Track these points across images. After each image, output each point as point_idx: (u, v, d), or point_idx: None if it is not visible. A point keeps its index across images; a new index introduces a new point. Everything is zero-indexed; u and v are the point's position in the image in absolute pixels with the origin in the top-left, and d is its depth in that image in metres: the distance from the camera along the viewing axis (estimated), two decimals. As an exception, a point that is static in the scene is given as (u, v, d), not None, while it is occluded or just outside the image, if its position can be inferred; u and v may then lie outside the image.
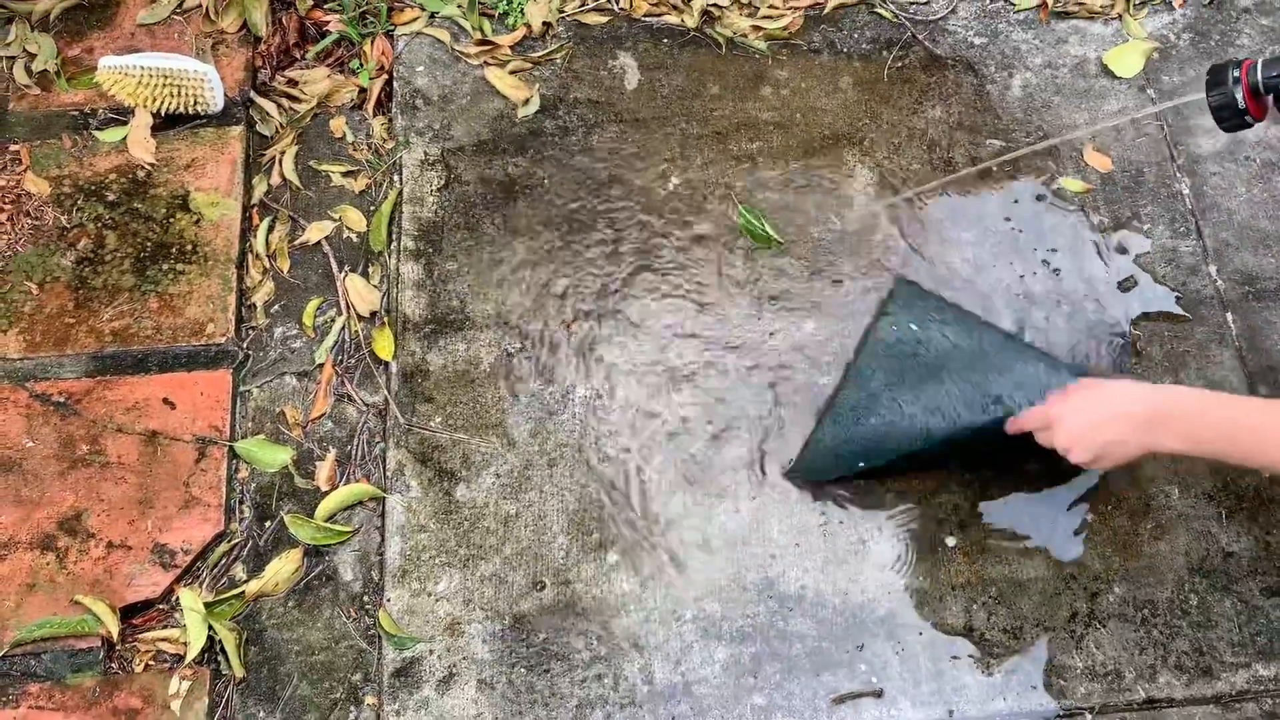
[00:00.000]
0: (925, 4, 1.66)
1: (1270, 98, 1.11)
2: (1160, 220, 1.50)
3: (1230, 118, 1.14)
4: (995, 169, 1.52)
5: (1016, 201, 1.50)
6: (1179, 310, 1.43)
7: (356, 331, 1.41)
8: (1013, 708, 1.21)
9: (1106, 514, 1.31)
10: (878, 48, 1.62)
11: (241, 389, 1.38)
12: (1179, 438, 1.10)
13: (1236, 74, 1.12)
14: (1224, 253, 1.48)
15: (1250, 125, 1.14)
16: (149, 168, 1.49)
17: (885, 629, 1.25)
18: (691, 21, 1.63)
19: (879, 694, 1.22)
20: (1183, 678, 1.23)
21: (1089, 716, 1.21)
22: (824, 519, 1.30)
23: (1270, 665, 1.24)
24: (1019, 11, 1.67)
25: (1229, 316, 1.43)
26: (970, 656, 1.23)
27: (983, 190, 1.51)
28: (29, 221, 1.45)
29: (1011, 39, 1.64)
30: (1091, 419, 1.14)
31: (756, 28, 1.63)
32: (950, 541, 1.29)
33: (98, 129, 1.52)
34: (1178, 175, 1.53)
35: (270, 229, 1.48)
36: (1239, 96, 1.12)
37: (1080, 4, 1.66)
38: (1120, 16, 1.66)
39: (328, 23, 1.62)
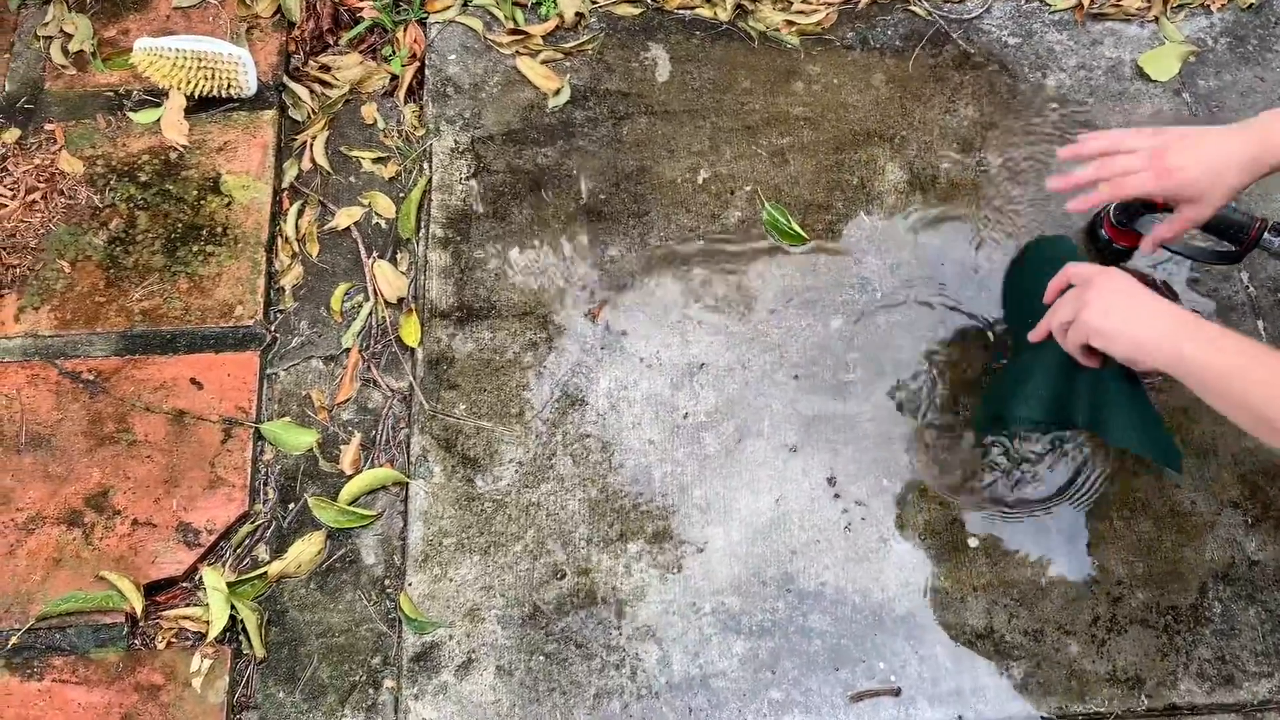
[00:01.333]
0: (960, 2, 1.65)
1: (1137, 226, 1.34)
2: (1193, 225, 1.49)
3: (1105, 249, 1.40)
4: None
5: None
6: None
7: (383, 317, 1.42)
8: (1031, 711, 1.21)
9: (1131, 519, 1.30)
10: (911, 45, 1.61)
11: (268, 371, 1.38)
12: (1167, 366, 1.06)
13: (1100, 214, 1.40)
14: (1256, 259, 1.46)
15: (1129, 254, 1.41)
16: (181, 149, 1.50)
17: (905, 628, 1.24)
18: (724, 15, 1.63)
19: (897, 693, 1.21)
20: (1204, 685, 1.22)
21: (1108, 721, 1.21)
22: (846, 516, 1.30)
23: (1293, 676, 1.23)
24: (1054, 12, 1.65)
25: (1260, 324, 1.42)
26: (990, 658, 1.23)
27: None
28: (62, 200, 1.46)
29: (1046, 39, 1.63)
30: (1124, 316, 1.08)
31: (789, 22, 1.62)
32: (972, 543, 1.29)
33: (132, 110, 1.53)
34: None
35: (300, 213, 1.48)
36: (1103, 233, 1.39)
37: (1117, 6, 1.65)
38: (1156, 19, 1.65)
39: (361, 9, 1.63)
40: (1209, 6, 1.66)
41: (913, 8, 1.65)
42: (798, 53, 1.61)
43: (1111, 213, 1.37)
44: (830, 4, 1.64)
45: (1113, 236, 1.38)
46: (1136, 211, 1.33)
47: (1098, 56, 1.61)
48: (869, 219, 1.48)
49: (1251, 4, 1.66)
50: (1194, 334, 1.04)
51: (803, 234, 1.46)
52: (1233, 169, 1.12)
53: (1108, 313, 1.08)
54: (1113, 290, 1.09)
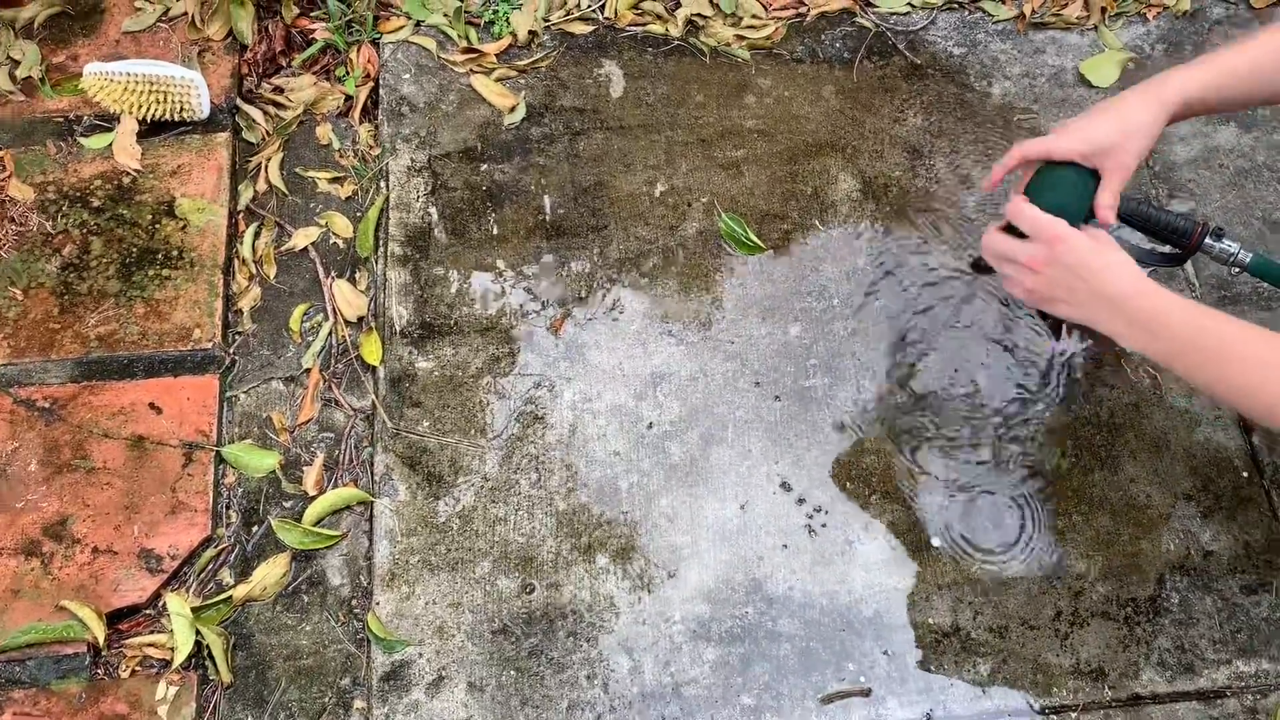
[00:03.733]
0: (905, 15, 1.69)
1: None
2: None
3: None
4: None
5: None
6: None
7: (344, 337, 1.41)
8: (1000, 705, 1.22)
9: (1089, 514, 1.33)
10: (859, 57, 1.64)
11: (228, 394, 1.37)
12: (1134, 341, 1.08)
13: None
14: (1199, 259, 1.50)
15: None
16: (134, 174, 1.49)
17: (873, 629, 1.26)
18: (676, 31, 1.65)
19: (867, 693, 1.23)
20: (1165, 674, 1.25)
21: (1074, 714, 1.22)
22: (810, 520, 1.31)
23: (1250, 662, 1.25)
24: (997, 23, 1.69)
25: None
26: (957, 655, 1.25)
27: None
28: (13, 228, 1.44)
29: (990, 49, 1.67)
30: (1066, 285, 1.10)
31: (740, 37, 1.65)
32: (935, 542, 1.30)
33: (83, 135, 1.52)
34: (1153, 182, 1.56)
35: (257, 235, 1.48)
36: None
37: (1057, 15, 1.69)
38: (1095, 27, 1.69)
39: (314, 31, 1.63)
40: (1145, 15, 1.71)
41: (859, 20, 1.68)
42: (749, 67, 1.63)
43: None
44: (779, 18, 1.67)
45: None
46: None
47: (1040, 64, 1.65)
48: (824, 227, 1.50)
49: (1186, 11, 1.71)
50: (1119, 326, 1.08)
51: (760, 243, 1.48)
52: (1134, 108, 1.14)
53: (1036, 302, 1.12)
54: (1074, 269, 1.10)
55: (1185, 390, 1.40)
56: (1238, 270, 1.26)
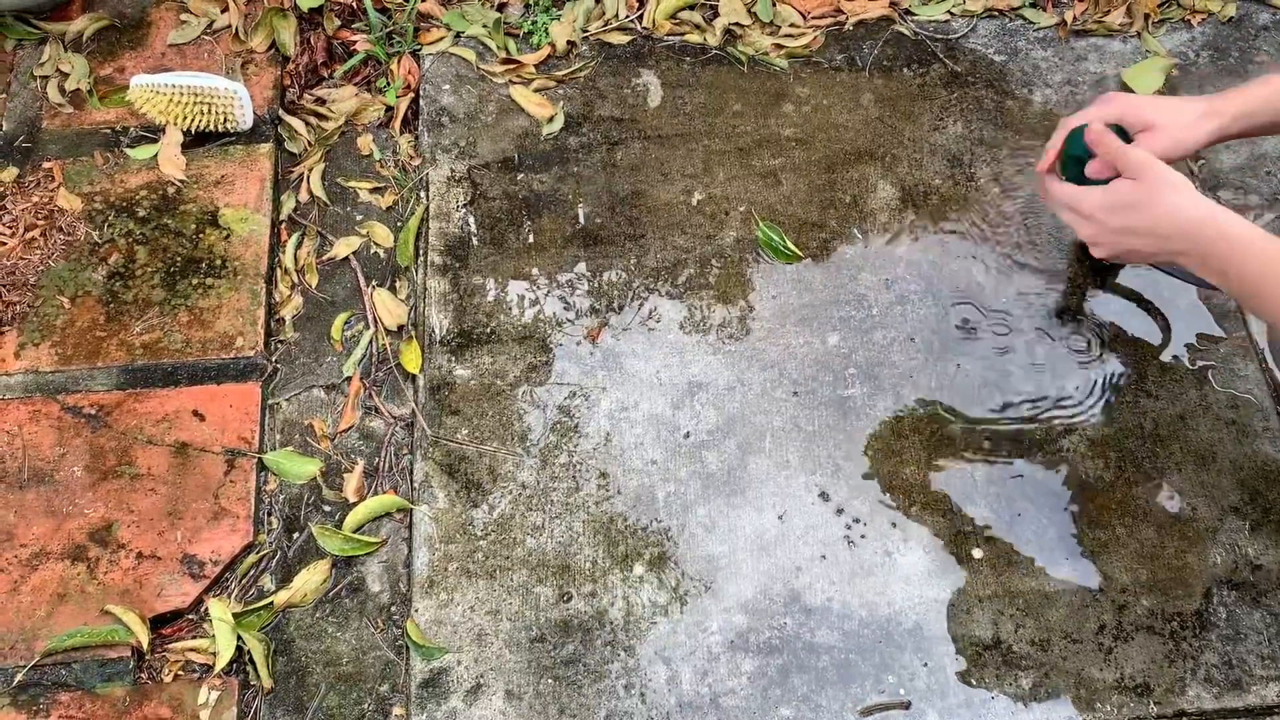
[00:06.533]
0: (945, 22, 1.68)
1: None
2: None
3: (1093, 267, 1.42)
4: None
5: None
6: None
7: (384, 345, 1.42)
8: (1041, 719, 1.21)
9: (1133, 526, 1.31)
10: (898, 65, 1.64)
11: (270, 402, 1.39)
12: (1208, 271, 1.07)
13: None
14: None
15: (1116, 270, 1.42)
16: (179, 184, 1.51)
17: (913, 641, 1.24)
18: (713, 40, 1.65)
19: (906, 706, 1.21)
20: (1212, 690, 1.22)
21: (1118, 729, 1.21)
22: (849, 531, 1.30)
23: (1301, 678, 1.23)
24: (1038, 30, 1.68)
25: (1252, 329, 1.43)
26: (998, 668, 1.23)
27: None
28: (61, 237, 1.47)
29: (1031, 56, 1.65)
30: (1126, 224, 1.10)
31: (778, 46, 1.65)
32: (976, 554, 1.29)
33: (129, 146, 1.54)
34: (1200, 188, 1.54)
35: (298, 244, 1.49)
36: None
37: (1099, 22, 1.68)
38: (1139, 34, 1.67)
39: (355, 42, 1.65)
40: (1190, 21, 1.69)
41: (898, 28, 1.67)
42: (787, 75, 1.63)
43: None
44: (818, 27, 1.67)
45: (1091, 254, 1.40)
46: None
47: (1082, 72, 1.64)
48: (862, 236, 1.49)
49: (1231, 17, 1.69)
50: (1190, 259, 1.07)
51: (798, 252, 1.47)
52: (1189, 102, 1.14)
53: (1103, 250, 1.12)
54: (1107, 237, 1.10)
55: (1231, 402, 1.38)
56: None
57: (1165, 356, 1.41)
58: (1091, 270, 1.45)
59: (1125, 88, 1.62)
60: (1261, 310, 1.07)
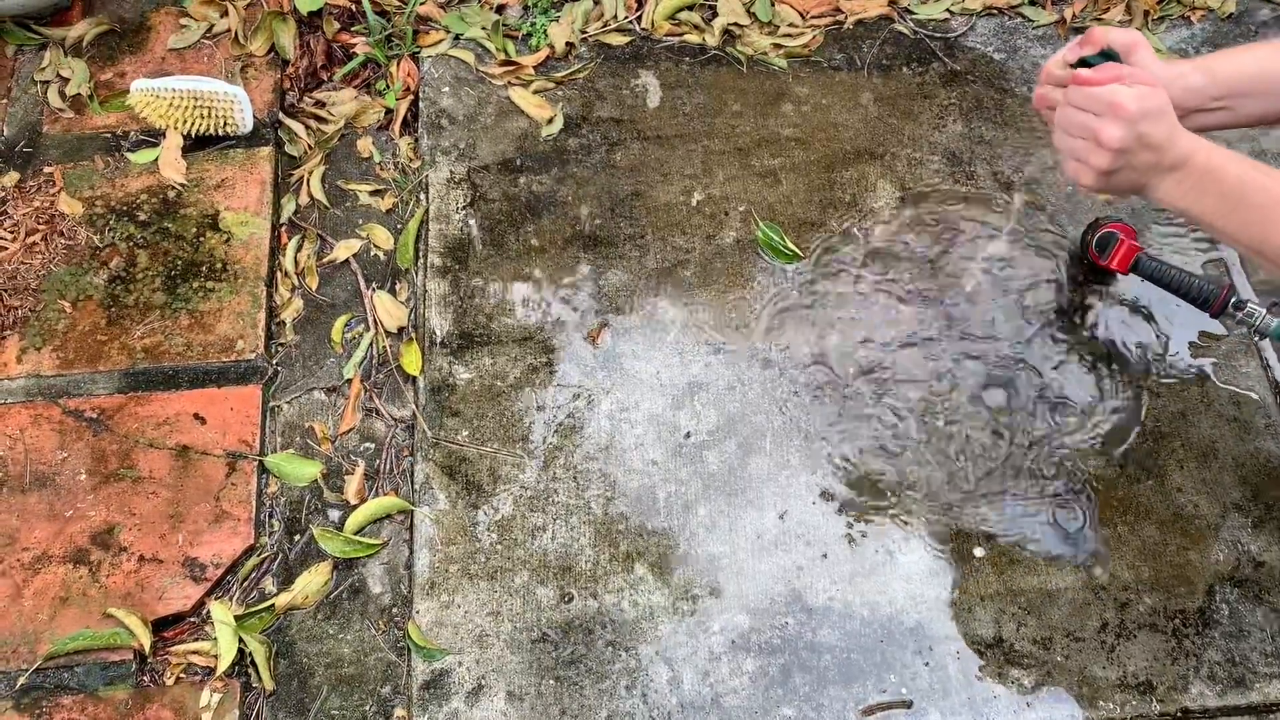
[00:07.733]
0: (944, 21, 1.68)
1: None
2: (1194, 232, 1.50)
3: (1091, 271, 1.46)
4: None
5: (1038, 214, 1.51)
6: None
7: (384, 347, 1.42)
8: (1044, 718, 1.20)
9: (1135, 524, 1.30)
10: (897, 64, 1.64)
11: (271, 404, 1.39)
12: (1181, 199, 1.02)
13: (1085, 242, 1.45)
14: (1251, 264, 1.48)
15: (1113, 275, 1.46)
16: (180, 188, 1.51)
17: (914, 640, 1.24)
18: (712, 41, 1.65)
19: (908, 705, 1.21)
20: (1216, 688, 1.22)
21: (1121, 727, 1.20)
22: (850, 530, 1.30)
23: (1304, 675, 1.23)
24: (1037, 28, 1.68)
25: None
26: (1000, 667, 1.23)
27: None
28: (62, 241, 1.47)
29: (1031, 54, 1.65)
30: (1147, 132, 1.00)
31: (777, 45, 1.65)
32: (978, 552, 1.29)
33: (129, 151, 1.54)
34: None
35: (299, 247, 1.50)
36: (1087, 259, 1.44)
37: (1099, 19, 1.67)
38: (1139, 30, 1.67)
39: (354, 45, 1.65)
40: (1189, 18, 1.69)
41: (897, 27, 1.67)
42: (786, 75, 1.63)
43: (1093, 243, 1.42)
44: (816, 26, 1.67)
45: (1094, 260, 1.43)
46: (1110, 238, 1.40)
47: (1082, 70, 1.63)
48: (861, 235, 1.49)
49: (1231, 14, 1.69)
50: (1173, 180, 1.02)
51: (798, 252, 1.47)
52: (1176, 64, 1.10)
53: (1158, 156, 1.02)
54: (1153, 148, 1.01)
55: (1233, 400, 1.37)
56: (1259, 337, 1.26)
57: (1166, 353, 1.41)
58: (1093, 271, 1.45)
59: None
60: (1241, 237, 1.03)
